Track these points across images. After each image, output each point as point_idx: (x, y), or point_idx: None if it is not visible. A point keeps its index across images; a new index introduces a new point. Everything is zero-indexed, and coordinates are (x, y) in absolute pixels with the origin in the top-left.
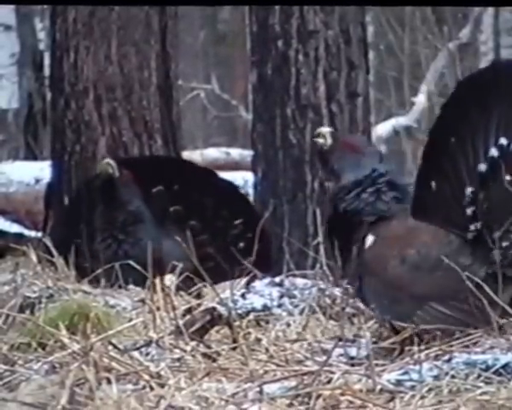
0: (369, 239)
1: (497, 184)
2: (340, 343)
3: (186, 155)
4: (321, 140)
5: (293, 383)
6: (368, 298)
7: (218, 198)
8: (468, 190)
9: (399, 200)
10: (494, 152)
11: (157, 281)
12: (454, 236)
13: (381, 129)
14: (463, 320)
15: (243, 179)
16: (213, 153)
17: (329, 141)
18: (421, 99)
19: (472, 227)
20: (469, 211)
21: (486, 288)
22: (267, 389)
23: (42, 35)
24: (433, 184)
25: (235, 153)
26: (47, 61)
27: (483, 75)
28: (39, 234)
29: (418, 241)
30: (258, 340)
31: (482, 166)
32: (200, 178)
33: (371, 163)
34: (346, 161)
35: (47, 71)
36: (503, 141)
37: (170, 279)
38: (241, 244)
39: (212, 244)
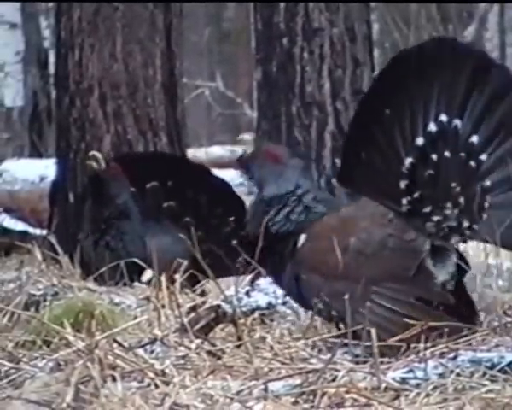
0: (302, 238)
1: (432, 159)
2: (345, 341)
3: (191, 152)
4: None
5: (297, 380)
6: (308, 296)
7: (211, 195)
8: (408, 160)
9: (327, 202)
10: (433, 127)
11: (162, 279)
12: (392, 214)
13: None
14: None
15: None
16: (218, 150)
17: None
18: None
19: (404, 201)
20: (403, 184)
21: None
22: (272, 386)
23: (47, 33)
24: (363, 154)
25: (240, 151)
26: (52, 59)
27: (424, 49)
28: (44, 232)
29: (357, 228)
30: (263, 338)
31: (420, 140)
32: (195, 175)
33: (293, 176)
34: (268, 172)
35: (52, 69)
36: (444, 117)
37: (147, 276)
38: (234, 242)
39: (205, 241)
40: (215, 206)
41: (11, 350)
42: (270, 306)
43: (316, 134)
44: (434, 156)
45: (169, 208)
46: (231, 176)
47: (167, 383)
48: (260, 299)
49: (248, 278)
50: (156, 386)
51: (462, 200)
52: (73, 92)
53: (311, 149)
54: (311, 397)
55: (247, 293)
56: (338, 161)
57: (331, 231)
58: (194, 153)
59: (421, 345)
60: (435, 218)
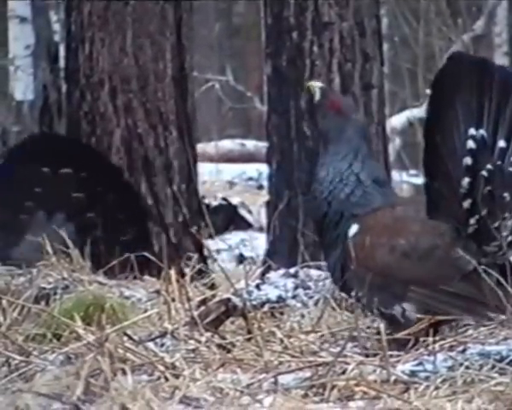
0: (354, 228)
1: (484, 175)
2: (355, 334)
3: (201, 146)
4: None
5: (307, 373)
6: (351, 285)
7: (119, 199)
8: (465, 181)
9: (384, 194)
10: (471, 144)
11: (172, 272)
12: (448, 228)
13: (396, 121)
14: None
15: (258, 171)
16: (228, 144)
17: (318, 96)
18: None
19: (472, 220)
20: (466, 204)
21: (498, 276)
22: (282, 379)
23: (57, 27)
24: (436, 184)
25: (250, 144)
26: (62, 52)
27: (443, 73)
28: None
29: (407, 230)
30: (273, 331)
31: (468, 160)
32: (109, 173)
33: (354, 136)
34: (329, 125)
35: (62, 63)
36: (473, 132)
37: None
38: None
39: (103, 241)
40: (119, 210)
41: (21, 344)
42: (280, 299)
43: None
44: (484, 173)
45: (76, 199)
46: (242, 170)
47: (177, 377)
48: (270, 292)
49: (259, 271)
50: (166, 379)
51: None
52: (84, 86)
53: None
54: (321, 390)
55: (257, 286)
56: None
57: (383, 227)
58: (205, 147)
59: (431, 338)
60: (504, 233)
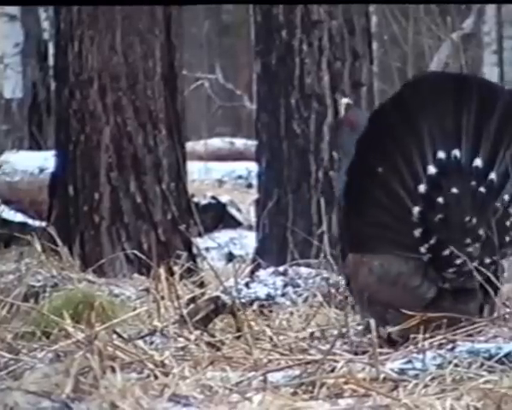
0: None
1: (439, 202)
2: (344, 332)
3: (190, 145)
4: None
5: (297, 371)
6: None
7: None
8: (415, 210)
9: None
10: (432, 169)
11: (161, 270)
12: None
13: None
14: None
15: (247, 169)
16: (217, 143)
17: (342, 113)
18: None
19: (423, 249)
20: (417, 233)
21: (493, 278)
22: (271, 377)
23: (46, 25)
24: (369, 216)
25: (240, 143)
26: (51, 50)
27: (402, 94)
28: (43, 223)
29: (382, 254)
30: (263, 329)
31: (422, 188)
32: None
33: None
34: (344, 139)
35: (51, 61)
36: (441, 154)
37: None
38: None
39: None
40: None
41: (10, 341)
42: (269, 297)
43: (314, 126)
44: (441, 199)
45: None
46: (231, 168)
47: (166, 374)
48: (259, 290)
49: (248, 269)
50: (155, 377)
51: (481, 231)
52: (73, 84)
53: (310, 142)
54: (310, 388)
55: (247, 284)
56: (335, 154)
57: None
58: (194, 145)
59: (420, 336)
60: (457, 261)
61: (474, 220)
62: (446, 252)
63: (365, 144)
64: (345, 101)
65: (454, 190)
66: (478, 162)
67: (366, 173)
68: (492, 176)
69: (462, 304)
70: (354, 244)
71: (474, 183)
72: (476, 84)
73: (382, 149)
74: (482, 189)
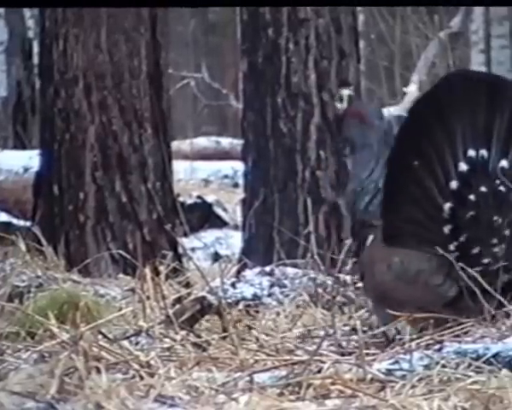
0: (369, 239)
1: (471, 199)
2: (331, 332)
3: (176, 144)
4: (338, 104)
5: (283, 372)
6: (364, 292)
7: None
8: (446, 206)
9: None
10: (463, 166)
11: (147, 270)
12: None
13: None
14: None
15: (233, 169)
16: (203, 142)
17: (345, 104)
18: (412, 89)
19: (452, 247)
20: (447, 230)
21: (480, 279)
22: (257, 378)
23: (31, 23)
24: (403, 210)
25: (226, 142)
26: (36, 49)
27: (438, 90)
28: (28, 223)
29: (401, 251)
30: (250, 328)
31: (453, 184)
32: None
33: (375, 143)
34: (354, 131)
35: (36, 59)
36: (472, 152)
37: None
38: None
39: None
40: None
41: None
42: (255, 297)
43: (301, 125)
44: (472, 197)
45: None
46: (217, 168)
47: (152, 375)
48: (246, 290)
49: (234, 269)
50: (141, 378)
51: (507, 232)
52: (58, 83)
53: (297, 141)
54: (297, 389)
55: (233, 284)
56: (322, 153)
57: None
58: (180, 144)
59: (407, 336)
60: (485, 260)
61: (500, 220)
62: (475, 250)
63: (403, 138)
64: (346, 92)
65: (483, 189)
66: (504, 163)
67: (403, 167)
68: None
69: (481, 304)
70: (386, 238)
71: (499, 182)
72: (510, 85)
73: (418, 143)
74: (504, 189)
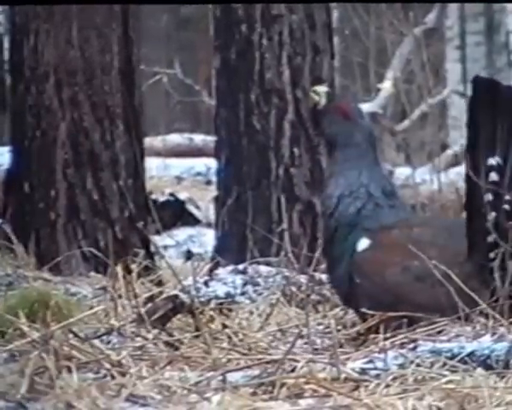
0: (363, 243)
1: (505, 209)
2: (305, 331)
3: (148, 141)
4: (316, 97)
5: (256, 371)
6: (359, 300)
7: None
8: (492, 215)
9: (393, 206)
10: (494, 176)
11: (118, 268)
12: (464, 257)
13: None
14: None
15: (206, 166)
16: (176, 138)
17: (323, 101)
18: (387, 85)
19: (492, 254)
20: (491, 239)
21: (454, 277)
22: (230, 377)
23: (1, 18)
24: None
25: (198, 139)
26: (6, 44)
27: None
28: None
29: (425, 254)
30: (224, 326)
31: (489, 196)
32: None
33: (362, 142)
34: (337, 130)
35: (6, 55)
36: (492, 161)
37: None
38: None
39: None
40: None
41: None
42: (228, 296)
43: (275, 122)
44: (507, 206)
45: None
46: (190, 165)
47: (124, 374)
48: (219, 289)
49: (207, 267)
50: (112, 377)
51: None
52: (28, 79)
53: (270, 138)
54: (270, 388)
55: (206, 283)
56: (296, 150)
57: (398, 247)
58: (152, 141)
59: (381, 335)
60: None
61: None
62: None
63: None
64: (323, 89)
65: (508, 198)
66: None
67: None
68: None
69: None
70: None
71: None
72: None
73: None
74: None
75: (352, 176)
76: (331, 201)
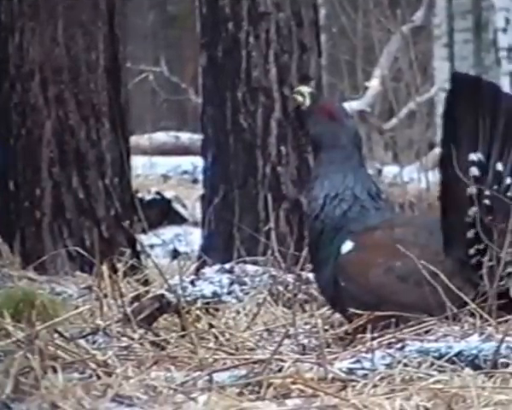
0: (348, 244)
1: (486, 204)
2: (292, 331)
3: (134, 139)
4: (299, 98)
5: (243, 371)
6: (344, 302)
7: None
8: (472, 210)
9: (378, 208)
10: (475, 171)
11: (104, 268)
12: (444, 256)
13: None
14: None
15: (193, 164)
16: (162, 137)
17: (308, 102)
18: (374, 83)
19: (472, 251)
20: (470, 234)
21: (442, 276)
22: (217, 377)
23: None
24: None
25: (185, 137)
26: None
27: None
28: None
29: (405, 254)
30: (211, 326)
31: (472, 189)
32: None
33: (348, 143)
34: (322, 130)
35: None
36: (473, 156)
37: None
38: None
39: None
40: None
41: None
42: (215, 295)
43: (262, 121)
44: (487, 201)
45: None
46: (176, 163)
47: (109, 374)
48: (205, 288)
49: (193, 266)
50: (98, 377)
51: None
52: (14, 77)
53: (257, 136)
54: (257, 388)
55: (192, 282)
56: (283, 149)
57: (380, 248)
58: (138, 139)
59: (368, 335)
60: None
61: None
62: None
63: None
64: (308, 90)
65: (487, 193)
66: (499, 167)
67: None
68: (508, 180)
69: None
70: None
71: (497, 187)
72: None
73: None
74: (510, 193)
75: (337, 178)
76: (317, 203)
